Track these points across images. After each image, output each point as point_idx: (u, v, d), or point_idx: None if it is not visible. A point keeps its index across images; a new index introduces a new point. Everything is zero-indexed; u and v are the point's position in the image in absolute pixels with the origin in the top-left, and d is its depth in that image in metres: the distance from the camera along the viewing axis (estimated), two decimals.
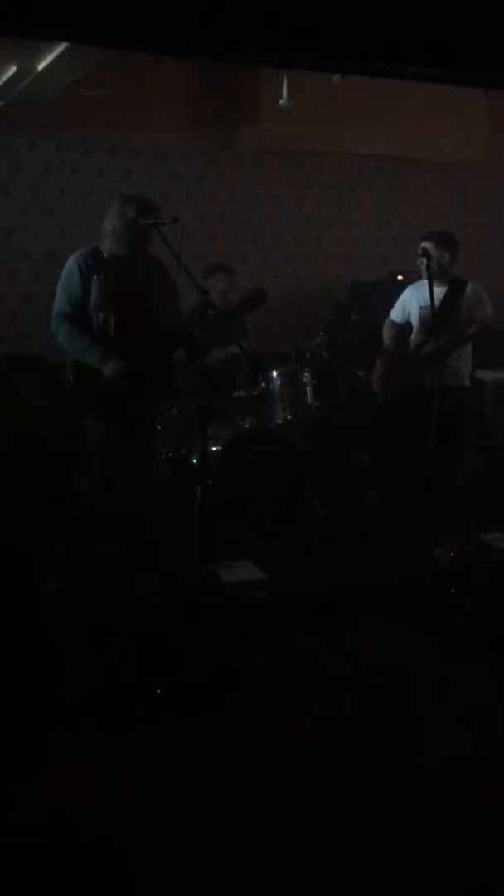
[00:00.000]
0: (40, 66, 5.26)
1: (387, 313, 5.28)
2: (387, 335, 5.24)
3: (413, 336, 5.07)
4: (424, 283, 4.77)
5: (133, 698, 3.25)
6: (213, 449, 4.87)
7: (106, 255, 4.18)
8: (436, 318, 4.72)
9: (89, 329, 4.18)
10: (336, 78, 5.43)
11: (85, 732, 3.01)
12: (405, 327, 5.15)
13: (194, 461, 4.89)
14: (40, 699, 2.87)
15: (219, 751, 3.00)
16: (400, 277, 6.46)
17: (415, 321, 5.05)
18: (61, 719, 2.77)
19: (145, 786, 2.82)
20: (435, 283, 4.74)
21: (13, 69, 5.36)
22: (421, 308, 4.97)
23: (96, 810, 2.68)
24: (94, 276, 4.14)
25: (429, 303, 4.70)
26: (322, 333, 5.63)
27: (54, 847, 2.52)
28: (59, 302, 4.23)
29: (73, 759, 2.88)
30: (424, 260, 4.74)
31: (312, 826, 2.64)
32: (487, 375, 6.75)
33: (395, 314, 5.20)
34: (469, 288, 4.93)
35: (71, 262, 4.21)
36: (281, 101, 5.71)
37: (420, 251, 4.81)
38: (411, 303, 5.08)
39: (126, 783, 2.83)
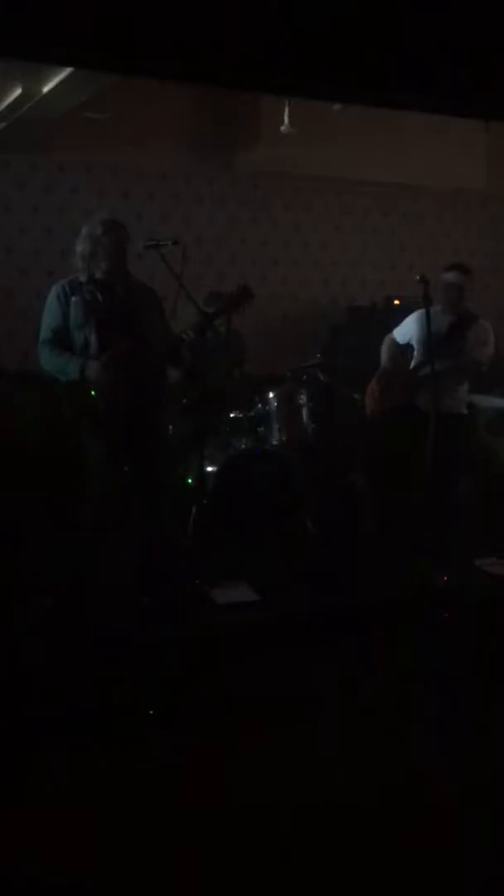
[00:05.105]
0: (45, 89, 5.33)
1: (383, 337, 5.30)
2: (385, 352, 5.24)
3: (414, 359, 5.11)
4: (436, 309, 4.86)
5: (127, 719, 3.25)
6: (209, 469, 4.88)
7: (83, 279, 4.22)
8: (439, 344, 4.78)
9: (70, 349, 4.20)
10: (337, 107, 5.50)
11: (80, 754, 3.01)
12: (406, 348, 5.18)
13: (189, 481, 4.90)
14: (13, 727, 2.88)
15: (214, 770, 3.01)
16: (397, 302, 6.52)
17: (417, 345, 5.08)
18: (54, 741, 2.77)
19: (140, 806, 2.82)
20: (447, 312, 4.82)
21: (18, 91, 5.43)
22: (426, 333, 5.01)
23: (91, 831, 2.68)
24: (73, 299, 4.18)
25: (434, 329, 4.76)
26: (318, 356, 5.67)
27: (47, 865, 2.52)
28: (43, 331, 4.27)
29: (68, 780, 2.88)
30: (454, 287, 4.86)
31: (310, 843, 2.65)
32: (482, 401, 6.79)
33: (399, 333, 5.23)
34: (479, 323, 4.99)
35: (52, 291, 4.26)
36: (282, 128, 5.79)
37: (450, 280, 4.89)
38: (415, 326, 5.11)
39: (122, 804, 2.83)
